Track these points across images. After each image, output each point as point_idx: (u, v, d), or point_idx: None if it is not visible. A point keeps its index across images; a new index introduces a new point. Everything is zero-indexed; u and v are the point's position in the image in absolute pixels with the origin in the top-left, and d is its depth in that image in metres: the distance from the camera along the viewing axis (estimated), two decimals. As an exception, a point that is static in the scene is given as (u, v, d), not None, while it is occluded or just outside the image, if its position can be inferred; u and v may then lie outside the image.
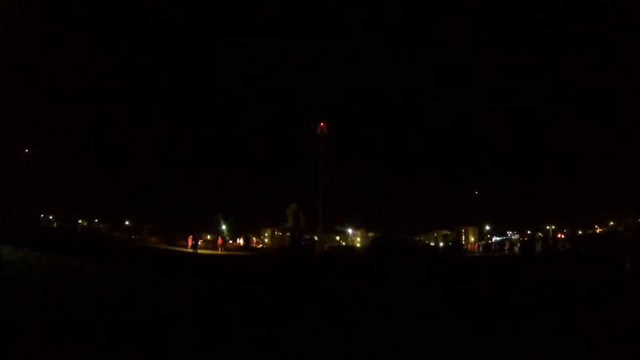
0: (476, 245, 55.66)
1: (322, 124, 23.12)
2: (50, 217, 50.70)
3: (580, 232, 51.46)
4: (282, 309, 3.72)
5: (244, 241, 43.68)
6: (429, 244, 45.62)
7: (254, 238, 62.67)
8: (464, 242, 69.41)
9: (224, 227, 47.23)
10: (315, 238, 23.40)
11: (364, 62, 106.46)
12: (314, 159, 23.17)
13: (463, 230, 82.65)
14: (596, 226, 54.45)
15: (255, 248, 43.23)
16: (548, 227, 63.61)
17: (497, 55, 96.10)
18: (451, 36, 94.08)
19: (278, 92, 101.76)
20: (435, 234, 74.14)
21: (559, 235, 53.48)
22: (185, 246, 25.05)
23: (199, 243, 26.59)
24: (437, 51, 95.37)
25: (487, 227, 66.24)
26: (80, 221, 50.60)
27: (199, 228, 39.10)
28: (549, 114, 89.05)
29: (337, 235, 72.84)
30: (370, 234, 60.82)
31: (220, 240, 33.82)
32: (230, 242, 44.05)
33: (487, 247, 45.62)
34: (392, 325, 3.23)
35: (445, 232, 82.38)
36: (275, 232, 78.72)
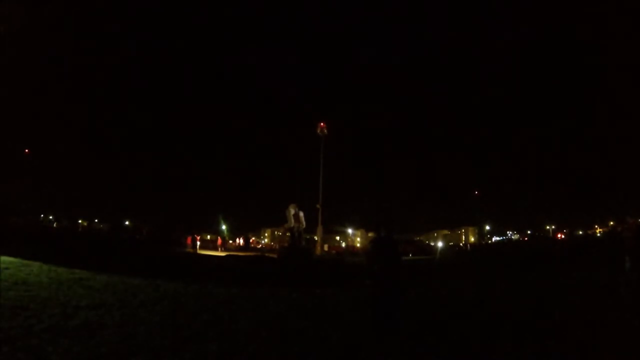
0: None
1: (322, 124, 23.11)
2: (51, 217, 50.75)
3: (580, 232, 51.49)
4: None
5: (243, 241, 43.58)
6: (429, 243, 45.56)
7: (253, 238, 62.59)
8: (463, 243, 69.26)
9: (224, 227, 47.14)
10: (316, 238, 23.39)
11: (363, 61, 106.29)
12: (314, 159, 23.18)
13: (463, 230, 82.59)
14: (596, 226, 54.45)
15: (255, 248, 43.14)
16: (548, 227, 63.53)
17: (499, 57, 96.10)
18: (449, 42, 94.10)
19: (278, 92, 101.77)
20: (435, 234, 74.02)
21: (558, 235, 53.36)
22: (185, 246, 25.08)
23: (200, 243, 26.55)
24: (437, 47, 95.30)
25: (487, 227, 66.19)
26: (80, 221, 50.65)
27: (199, 228, 39.06)
28: (548, 116, 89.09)
29: (337, 235, 72.70)
30: (370, 234, 60.79)
31: (220, 241, 33.76)
32: (230, 242, 44.00)
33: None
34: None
35: (445, 232, 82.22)
36: (275, 232, 78.60)
